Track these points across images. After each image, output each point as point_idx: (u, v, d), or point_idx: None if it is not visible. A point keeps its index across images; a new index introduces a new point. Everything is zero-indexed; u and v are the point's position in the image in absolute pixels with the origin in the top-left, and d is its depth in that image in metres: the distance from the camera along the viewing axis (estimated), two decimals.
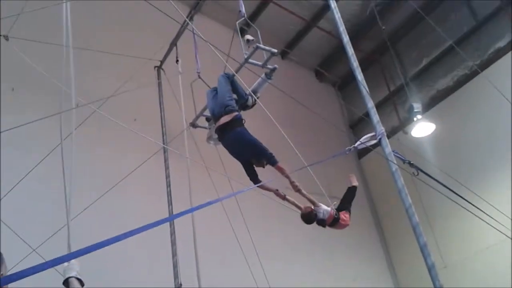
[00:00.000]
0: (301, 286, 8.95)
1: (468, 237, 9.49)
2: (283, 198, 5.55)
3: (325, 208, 5.48)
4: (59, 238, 5.35)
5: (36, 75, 5.35)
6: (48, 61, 7.08)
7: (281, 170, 5.28)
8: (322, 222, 5.48)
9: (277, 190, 5.50)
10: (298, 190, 5.36)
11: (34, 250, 4.92)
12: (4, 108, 6.65)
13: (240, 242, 6.23)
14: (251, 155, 5.31)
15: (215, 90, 5.75)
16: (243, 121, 5.43)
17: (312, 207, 5.45)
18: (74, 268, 2.69)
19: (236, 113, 5.36)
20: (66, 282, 2.67)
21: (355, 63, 4.89)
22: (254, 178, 5.34)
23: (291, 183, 5.31)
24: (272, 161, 5.30)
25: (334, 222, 5.51)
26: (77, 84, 7.07)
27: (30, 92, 7.15)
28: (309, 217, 5.32)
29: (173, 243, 6.13)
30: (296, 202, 5.45)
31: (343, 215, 5.55)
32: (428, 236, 4.22)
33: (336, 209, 5.57)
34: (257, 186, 5.09)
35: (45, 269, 1.87)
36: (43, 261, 1.92)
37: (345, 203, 5.88)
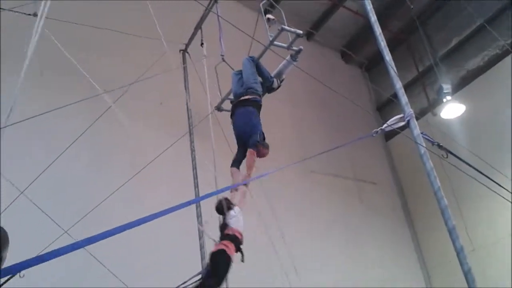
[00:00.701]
0: (326, 269, 8.97)
1: (497, 221, 9.32)
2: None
3: (237, 220, 4.55)
4: (88, 221, 5.49)
5: (65, 59, 5.42)
6: (77, 45, 7.17)
7: (249, 156, 5.02)
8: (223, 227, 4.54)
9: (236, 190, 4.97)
10: (244, 184, 4.89)
11: (65, 231, 5.04)
12: (33, 93, 6.79)
13: (266, 226, 6.25)
14: (245, 135, 5.16)
15: (239, 73, 5.72)
16: (259, 106, 5.34)
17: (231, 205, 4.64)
18: None
19: (257, 96, 5.31)
20: None
21: (382, 43, 4.78)
22: (236, 164, 5.21)
23: (247, 174, 4.99)
24: (251, 143, 5.05)
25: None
26: (104, 68, 7.17)
27: (57, 76, 7.28)
28: (220, 207, 4.60)
29: (200, 224, 6.19)
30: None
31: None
32: (457, 219, 4.14)
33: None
34: (231, 168, 5.05)
35: (76, 249, 1.92)
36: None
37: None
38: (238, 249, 4.35)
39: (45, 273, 5.40)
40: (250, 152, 5.04)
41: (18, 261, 1.66)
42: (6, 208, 4.70)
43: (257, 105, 5.33)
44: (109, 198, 5.65)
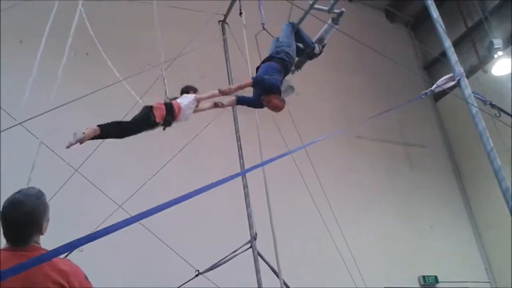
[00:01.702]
0: (376, 235, 8.94)
1: None
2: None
3: (183, 98, 4.49)
4: (142, 195, 5.67)
5: (107, 38, 5.51)
6: (117, 22, 7.28)
7: (245, 80, 4.69)
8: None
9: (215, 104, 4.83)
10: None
11: (120, 206, 5.24)
12: (79, 72, 6.98)
13: (312, 194, 6.26)
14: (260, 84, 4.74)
15: (278, 39, 5.62)
16: (285, 66, 4.97)
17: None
18: None
19: (285, 57, 5.00)
20: None
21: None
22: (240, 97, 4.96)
23: (230, 87, 4.74)
24: (260, 79, 4.70)
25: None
26: (144, 44, 7.23)
27: (102, 55, 7.42)
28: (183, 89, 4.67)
29: (247, 195, 6.29)
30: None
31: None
32: (511, 180, 4.00)
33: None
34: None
35: (132, 223, 1.99)
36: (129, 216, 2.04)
37: None
38: (169, 116, 4.23)
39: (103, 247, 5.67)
40: (248, 79, 4.70)
41: (75, 237, 1.73)
42: (62, 186, 4.93)
43: (282, 63, 4.95)
44: (158, 173, 5.80)
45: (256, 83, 4.64)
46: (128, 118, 4.13)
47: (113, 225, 1.78)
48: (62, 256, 2.69)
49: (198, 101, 4.51)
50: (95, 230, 1.87)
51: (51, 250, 1.61)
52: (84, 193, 5.83)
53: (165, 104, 4.21)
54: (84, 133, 3.71)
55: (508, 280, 9.33)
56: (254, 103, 4.89)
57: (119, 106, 6.35)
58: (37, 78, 4.30)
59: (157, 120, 4.08)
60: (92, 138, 3.82)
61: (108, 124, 3.91)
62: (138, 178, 5.99)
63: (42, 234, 2.28)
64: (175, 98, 4.49)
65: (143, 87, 5.97)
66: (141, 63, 5.40)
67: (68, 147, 3.67)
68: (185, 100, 4.39)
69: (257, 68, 5.11)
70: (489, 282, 9.98)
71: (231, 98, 4.86)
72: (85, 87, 5.14)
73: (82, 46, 7.20)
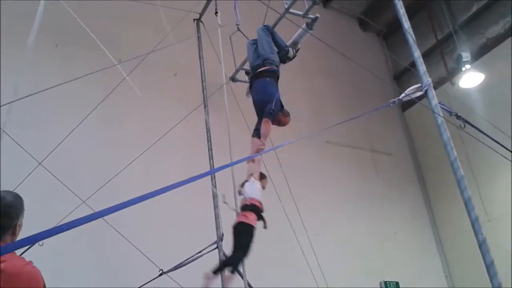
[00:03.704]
0: (341, 239, 9.04)
1: None
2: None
3: (253, 189, 4.53)
4: (108, 192, 5.57)
5: (79, 31, 5.41)
6: (89, 15, 7.14)
7: (263, 125, 4.92)
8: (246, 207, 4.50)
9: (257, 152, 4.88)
10: (257, 151, 4.80)
11: (84, 201, 5.14)
12: (48, 64, 6.82)
13: (280, 196, 6.29)
14: (263, 105, 5.02)
15: (255, 42, 5.65)
16: (277, 76, 5.24)
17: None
18: None
19: (274, 67, 5.23)
20: None
21: (401, 10, 4.67)
22: (257, 133, 5.08)
23: (260, 144, 4.88)
24: (266, 112, 4.91)
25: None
26: (117, 39, 7.14)
27: (73, 47, 7.28)
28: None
29: (215, 196, 6.26)
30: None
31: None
32: (473, 189, 4.12)
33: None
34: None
35: (95, 219, 1.96)
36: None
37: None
38: (260, 217, 4.40)
39: (65, 243, 5.54)
40: (264, 121, 4.95)
41: (37, 231, 1.69)
42: (24, 179, 4.80)
43: (274, 75, 5.24)
44: (124, 170, 5.72)
45: (261, 108, 4.98)
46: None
47: (75, 220, 1.75)
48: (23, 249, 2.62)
49: (257, 177, 4.63)
50: (56, 225, 1.83)
51: (9, 244, 1.57)
52: (48, 188, 5.69)
53: (252, 210, 4.33)
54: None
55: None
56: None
57: (89, 99, 6.27)
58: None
59: (255, 225, 4.30)
60: None
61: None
62: (104, 175, 5.88)
63: (15, 235, 2.25)
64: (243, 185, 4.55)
65: (113, 83, 5.89)
66: (116, 57, 5.32)
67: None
68: (255, 190, 4.49)
69: (251, 84, 5.23)
70: None
71: (257, 142, 5.00)
72: (55, 79, 5.02)
73: (51, 37, 7.07)
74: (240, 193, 4.62)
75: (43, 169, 5.05)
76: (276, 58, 5.32)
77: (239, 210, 4.57)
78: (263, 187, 4.68)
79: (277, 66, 5.28)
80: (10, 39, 6.46)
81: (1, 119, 3.86)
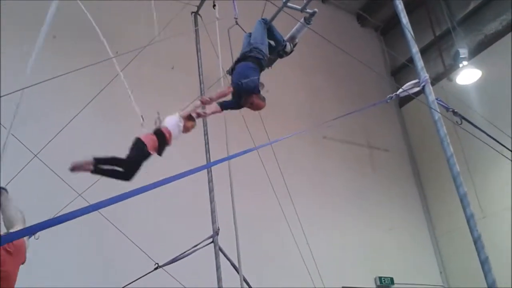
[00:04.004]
0: (336, 234, 9.07)
1: (509, 187, 9.25)
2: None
3: (170, 120, 4.40)
4: (104, 185, 5.56)
5: (76, 23, 5.38)
6: (86, 7, 7.08)
7: (226, 88, 4.78)
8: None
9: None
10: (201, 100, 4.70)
11: (79, 195, 5.13)
12: (46, 56, 6.77)
13: (276, 191, 6.30)
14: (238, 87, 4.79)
15: (251, 35, 5.61)
16: (261, 64, 5.01)
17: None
18: None
19: (261, 56, 5.03)
20: None
21: (400, 6, 4.67)
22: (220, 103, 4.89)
23: (209, 96, 4.73)
24: (234, 82, 4.74)
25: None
26: (115, 32, 7.10)
27: (70, 40, 7.24)
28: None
29: (211, 190, 6.27)
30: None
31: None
32: (468, 186, 4.13)
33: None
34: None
35: (91, 212, 1.96)
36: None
37: None
38: (161, 146, 4.23)
39: (61, 236, 5.53)
40: (229, 87, 4.75)
41: (33, 223, 1.69)
42: (20, 171, 4.78)
43: (258, 62, 5.01)
44: None
45: (237, 89, 4.70)
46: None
47: (70, 212, 1.75)
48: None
49: (183, 117, 4.43)
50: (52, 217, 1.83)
51: (4, 234, 1.56)
52: (44, 181, 5.68)
53: (156, 134, 4.16)
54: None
55: (461, 285, 9.65)
56: (235, 105, 4.91)
57: (86, 92, 6.24)
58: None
59: (152, 152, 4.08)
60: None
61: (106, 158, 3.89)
62: None
63: None
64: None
65: (111, 76, 5.86)
66: (113, 49, 5.29)
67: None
68: (172, 122, 4.33)
69: (233, 68, 5.11)
70: (443, 286, 10.28)
71: (214, 106, 4.80)
72: (52, 71, 4.99)
73: (49, 29, 7.02)
74: (156, 121, 4.44)
75: (39, 162, 5.04)
76: (265, 49, 5.20)
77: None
78: (187, 129, 4.47)
79: (263, 56, 5.11)
80: (8, 31, 6.42)
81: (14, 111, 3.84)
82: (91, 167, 3.79)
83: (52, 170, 5.14)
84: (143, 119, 4.54)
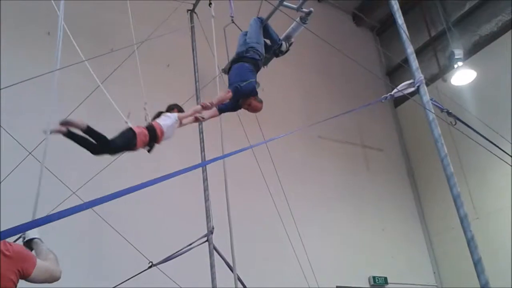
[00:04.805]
0: (330, 233, 9.08)
1: (503, 189, 9.30)
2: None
3: (165, 119, 4.37)
4: (98, 184, 5.55)
5: (71, 19, 5.35)
6: (82, 3, 7.07)
7: (222, 92, 4.85)
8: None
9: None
10: (203, 105, 4.68)
11: (74, 193, 5.11)
12: (40, 52, 6.74)
13: (270, 190, 6.31)
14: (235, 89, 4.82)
15: (247, 34, 5.61)
16: (257, 65, 5.07)
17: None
18: (34, 232, 2.81)
19: (257, 56, 5.09)
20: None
21: (395, 6, 4.68)
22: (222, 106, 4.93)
23: (208, 102, 4.67)
24: (233, 86, 4.75)
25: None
26: (111, 28, 7.09)
27: (66, 36, 7.19)
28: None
29: (206, 188, 6.26)
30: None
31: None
32: (462, 186, 4.15)
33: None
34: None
35: (84, 209, 1.95)
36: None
37: None
38: (152, 142, 4.18)
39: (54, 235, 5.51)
40: (226, 90, 4.77)
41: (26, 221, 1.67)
42: (14, 169, 4.76)
43: (254, 62, 5.05)
44: (116, 161, 5.69)
45: (235, 93, 4.72)
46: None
47: (64, 210, 1.74)
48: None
49: (181, 119, 4.43)
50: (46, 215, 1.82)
51: None
52: (38, 178, 5.64)
53: (148, 129, 4.09)
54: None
55: (454, 285, 9.69)
56: (232, 108, 4.95)
57: (81, 89, 6.21)
58: None
59: (138, 146, 4.00)
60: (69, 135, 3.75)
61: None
62: (95, 166, 5.84)
63: None
64: (159, 114, 4.40)
65: (106, 72, 5.85)
66: (109, 46, 5.28)
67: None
68: (168, 121, 4.29)
69: (229, 68, 5.13)
70: (436, 285, 10.32)
71: (213, 110, 4.82)
72: (47, 67, 4.97)
73: (43, 26, 6.99)
74: (146, 117, 4.50)
75: (33, 159, 5.01)
76: (261, 49, 5.21)
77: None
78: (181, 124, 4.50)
79: (259, 56, 5.13)
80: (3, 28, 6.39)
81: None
82: (65, 130, 3.75)
83: (47, 168, 5.10)
84: (128, 116, 4.45)
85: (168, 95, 7.69)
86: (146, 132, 4.05)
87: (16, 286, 2.25)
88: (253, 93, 4.80)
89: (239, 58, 5.09)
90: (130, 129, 4.01)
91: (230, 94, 4.71)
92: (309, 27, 5.62)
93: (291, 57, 6.79)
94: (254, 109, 4.90)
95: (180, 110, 4.55)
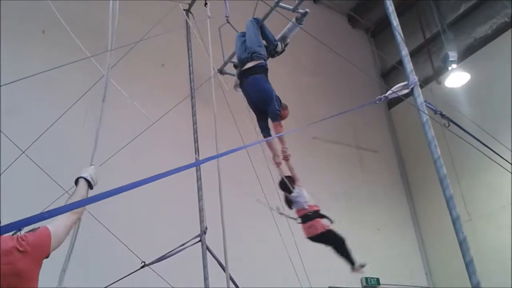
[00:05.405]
0: None
1: (496, 191, 9.36)
2: (278, 165, 5.29)
3: (304, 196, 5.26)
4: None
5: (66, 18, 5.33)
6: (76, 2, 7.04)
7: (276, 129, 5.06)
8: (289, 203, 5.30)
9: (277, 156, 5.23)
10: (286, 159, 5.16)
11: (66, 192, 5.08)
12: (35, 51, 6.72)
13: (264, 191, 6.30)
14: (262, 103, 5.15)
15: (244, 35, 5.63)
16: (266, 70, 5.26)
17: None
18: (88, 170, 2.87)
19: (262, 60, 5.23)
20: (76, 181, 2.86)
21: (390, 7, 4.69)
22: (266, 132, 5.23)
23: (283, 148, 5.10)
24: (272, 115, 5.05)
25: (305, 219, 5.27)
26: (105, 28, 7.04)
27: (60, 34, 7.17)
28: (285, 187, 5.20)
29: (199, 188, 6.25)
30: (285, 173, 5.25)
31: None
32: (455, 188, 4.17)
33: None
34: (265, 140, 5.00)
35: (77, 207, 1.94)
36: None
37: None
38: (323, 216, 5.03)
39: None
40: (275, 125, 5.04)
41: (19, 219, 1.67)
42: (7, 168, 4.73)
43: (264, 70, 5.26)
44: (110, 161, 5.67)
45: (277, 117, 5.06)
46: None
47: (56, 208, 1.73)
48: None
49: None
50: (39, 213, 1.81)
51: None
52: (31, 177, 5.62)
53: (316, 215, 5.07)
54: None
55: (447, 286, 9.74)
56: (267, 124, 5.32)
57: (75, 88, 6.18)
58: None
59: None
60: None
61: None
62: (88, 165, 5.81)
63: None
64: (290, 200, 5.25)
65: (101, 72, 5.81)
66: (104, 45, 5.24)
67: None
68: (305, 196, 5.17)
69: (242, 82, 5.24)
70: (428, 287, 10.36)
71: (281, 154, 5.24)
72: (41, 66, 4.95)
73: (38, 24, 6.96)
74: (291, 203, 5.18)
75: (26, 158, 4.99)
76: (263, 51, 5.30)
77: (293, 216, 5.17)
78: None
79: (264, 59, 5.27)
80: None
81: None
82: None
83: (40, 166, 5.09)
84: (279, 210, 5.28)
85: (163, 95, 7.70)
86: (320, 220, 5.33)
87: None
88: (282, 105, 5.11)
89: (248, 70, 5.17)
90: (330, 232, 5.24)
91: (281, 126, 5.03)
92: (304, 28, 5.63)
93: (286, 58, 6.80)
94: (284, 118, 5.20)
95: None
